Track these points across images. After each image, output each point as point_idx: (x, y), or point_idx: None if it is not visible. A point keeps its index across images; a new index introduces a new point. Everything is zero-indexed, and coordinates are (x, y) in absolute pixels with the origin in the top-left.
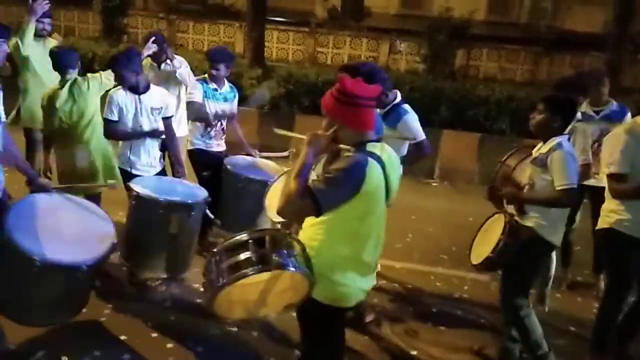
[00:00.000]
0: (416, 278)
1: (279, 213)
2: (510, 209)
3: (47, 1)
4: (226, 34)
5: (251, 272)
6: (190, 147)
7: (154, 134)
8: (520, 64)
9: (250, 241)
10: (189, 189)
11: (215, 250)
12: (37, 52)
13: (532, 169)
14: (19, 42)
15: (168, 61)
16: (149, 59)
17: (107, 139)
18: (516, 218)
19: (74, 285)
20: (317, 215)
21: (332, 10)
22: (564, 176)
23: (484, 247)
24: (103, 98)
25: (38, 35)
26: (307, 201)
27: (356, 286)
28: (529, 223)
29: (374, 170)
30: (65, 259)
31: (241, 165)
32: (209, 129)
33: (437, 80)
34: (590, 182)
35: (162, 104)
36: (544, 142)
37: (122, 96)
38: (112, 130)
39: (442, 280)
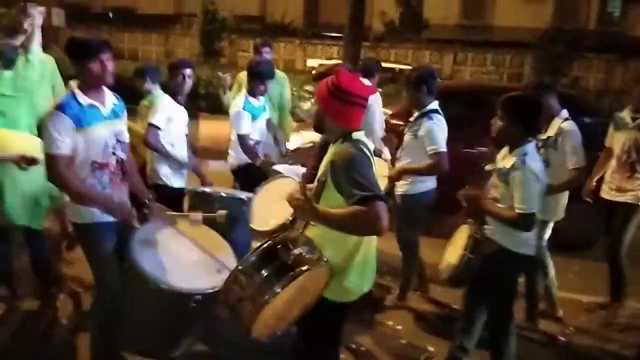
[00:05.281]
0: None
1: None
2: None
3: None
4: (286, 52)
5: (298, 273)
6: (236, 163)
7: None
8: (594, 73)
9: (279, 246)
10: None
11: (239, 267)
12: None
13: (497, 182)
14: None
15: None
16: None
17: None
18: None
19: (184, 313)
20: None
21: (389, 24)
22: (523, 199)
23: (451, 262)
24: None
25: None
26: (374, 205)
27: (360, 281)
28: (491, 235)
29: (369, 156)
30: (185, 286)
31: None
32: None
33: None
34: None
35: None
36: (510, 151)
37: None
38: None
39: None
